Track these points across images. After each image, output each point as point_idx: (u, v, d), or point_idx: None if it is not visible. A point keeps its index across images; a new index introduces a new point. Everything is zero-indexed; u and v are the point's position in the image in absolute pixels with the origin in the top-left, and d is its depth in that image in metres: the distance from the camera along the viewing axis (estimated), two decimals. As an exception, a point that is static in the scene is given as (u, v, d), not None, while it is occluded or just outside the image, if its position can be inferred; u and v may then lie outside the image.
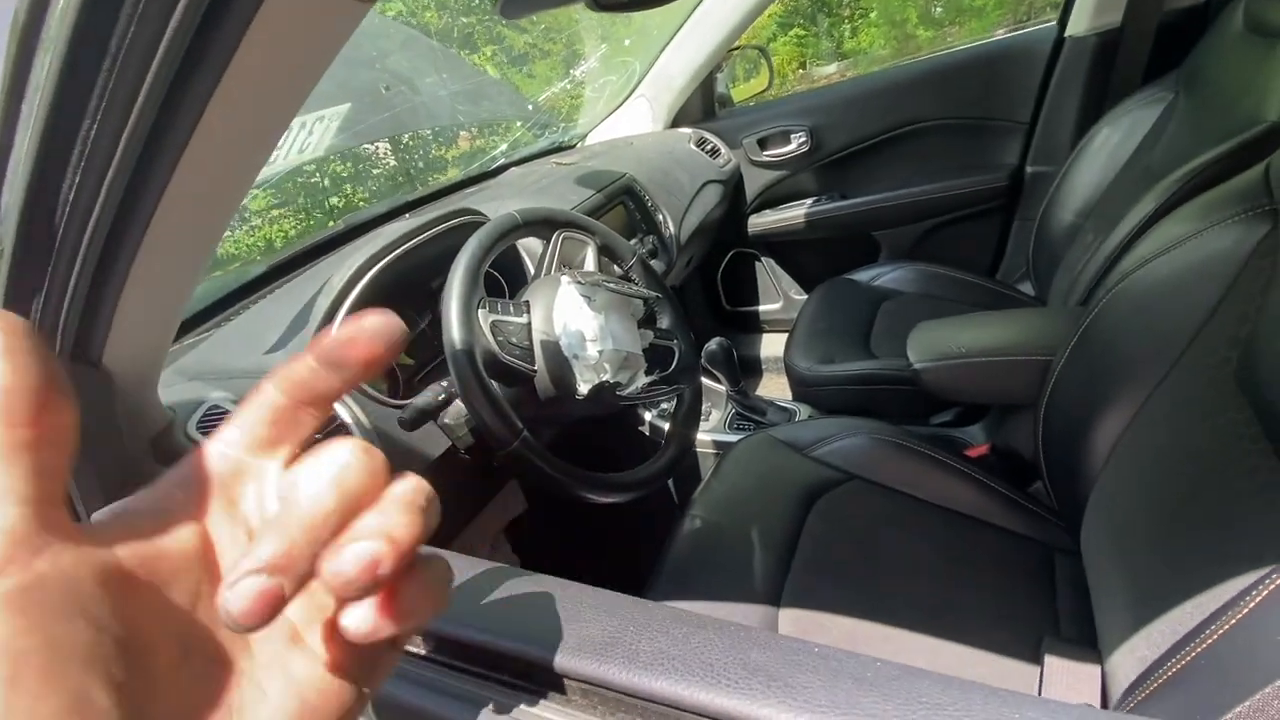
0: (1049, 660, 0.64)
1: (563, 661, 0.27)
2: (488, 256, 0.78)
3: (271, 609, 0.17)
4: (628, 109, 1.77)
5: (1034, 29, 1.55)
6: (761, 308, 1.96)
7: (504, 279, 1.03)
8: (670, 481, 1.30)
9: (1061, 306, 1.10)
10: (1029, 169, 1.55)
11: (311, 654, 0.20)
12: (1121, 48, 1.37)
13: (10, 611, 0.14)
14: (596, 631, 0.28)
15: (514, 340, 0.76)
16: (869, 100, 1.67)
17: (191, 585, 0.19)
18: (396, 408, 0.77)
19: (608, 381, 0.79)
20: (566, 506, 0.86)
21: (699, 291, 1.97)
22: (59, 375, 0.16)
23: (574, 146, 1.79)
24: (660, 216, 1.36)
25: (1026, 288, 1.43)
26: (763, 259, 1.90)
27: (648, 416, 1.28)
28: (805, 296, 1.74)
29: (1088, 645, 0.64)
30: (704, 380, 1.30)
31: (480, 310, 0.74)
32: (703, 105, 1.82)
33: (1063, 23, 1.44)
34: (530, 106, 2.28)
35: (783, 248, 1.87)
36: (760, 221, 1.82)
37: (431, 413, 0.76)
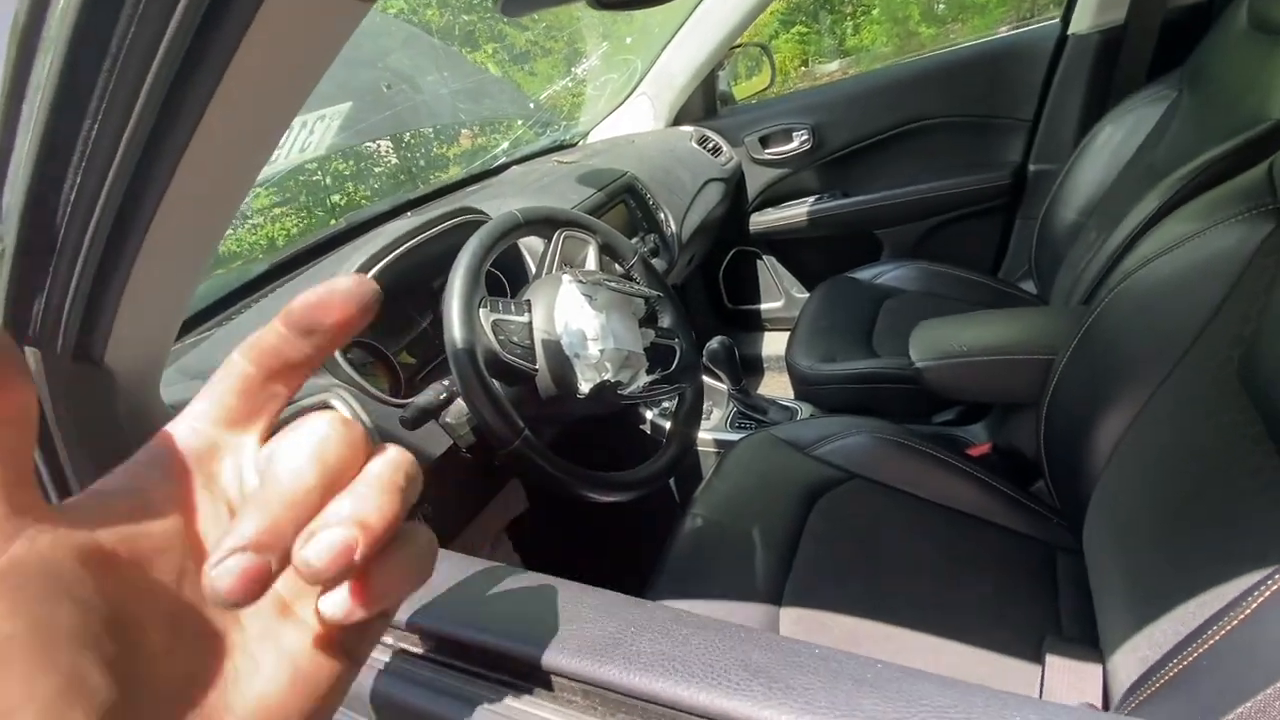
0: (1050, 659, 0.64)
1: (563, 662, 0.27)
2: (489, 255, 0.78)
3: (258, 586, 0.16)
4: (629, 107, 1.77)
5: (1037, 26, 1.55)
6: (763, 306, 1.96)
7: (505, 278, 1.03)
8: (671, 480, 1.30)
9: (1064, 305, 1.10)
10: (1032, 167, 1.55)
11: (301, 625, 0.20)
12: (1125, 45, 1.37)
13: (4, 592, 0.14)
14: (597, 632, 0.28)
15: (515, 339, 0.76)
16: (871, 98, 1.67)
17: (175, 562, 0.19)
18: (398, 406, 0.77)
19: (609, 380, 0.79)
20: (568, 505, 0.86)
21: (700, 290, 1.97)
22: (13, 352, 0.16)
23: (575, 145, 1.79)
24: (662, 215, 1.36)
25: (1029, 286, 1.42)
26: (764, 257, 1.90)
27: (649, 415, 1.28)
28: (807, 295, 1.74)
29: (1089, 645, 0.64)
30: (705, 379, 1.30)
31: (481, 309, 0.74)
32: (704, 103, 1.82)
33: (1066, 20, 1.43)
34: (532, 104, 2.28)
35: (784, 246, 1.86)
36: (762, 220, 1.82)
37: (433, 412, 0.76)
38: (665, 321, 0.97)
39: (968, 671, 0.67)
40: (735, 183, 1.75)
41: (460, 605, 0.32)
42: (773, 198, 1.81)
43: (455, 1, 2.79)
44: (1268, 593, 0.38)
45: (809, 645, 0.25)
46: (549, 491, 0.76)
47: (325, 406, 0.72)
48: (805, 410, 1.34)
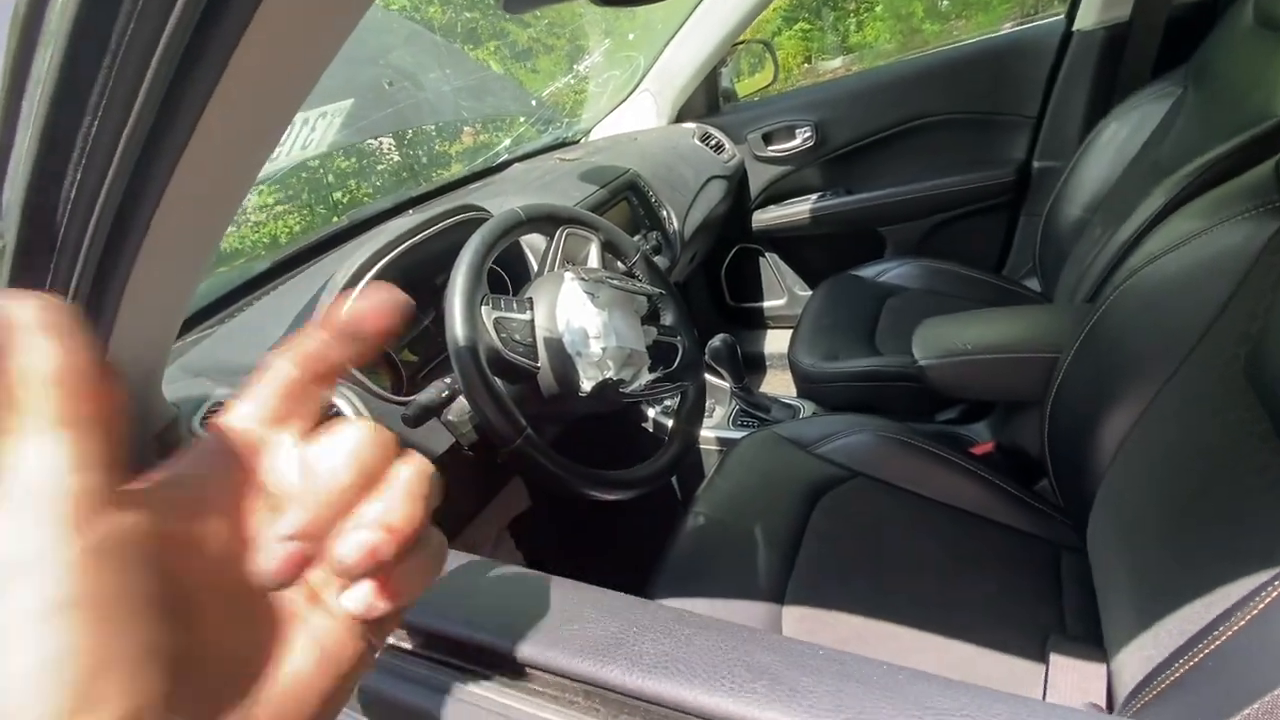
0: (1054, 659, 0.64)
1: (566, 662, 0.27)
2: (491, 253, 0.78)
3: (299, 569, 0.20)
4: (632, 104, 1.76)
5: (1041, 23, 1.54)
6: (766, 304, 1.96)
7: (507, 275, 1.03)
8: (674, 479, 1.30)
9: (1068, 303, 1.10)
10: (1036, 164, 1.54)
11: (328, 611, 0.22)
12: (1130, 42, 1.36)
13: (90, 565, 0.16)
14: (599, 632, 0.28)
15: (517, 337, 0.76)
16: (874, 95, 1.66)
17: (224, 547, 0.21)
18: (400, 404, 0.77)
19: (611, 378, 0.78)
20: (570, 504, 0.86)
21: (703, 288, 1.97)
22: (105, 353, 0.18)
23: (578, 142, 1.79)
24: (664, 212, 1.36)
25: (1033, 284, 1.42)
26: (767, 255, 1.90)
27: (651, 413, 1.28)
28: (810, 293, 1.74)
29: (1094, 644, 0.64)
30: (708, 377, 1.29)
31: (484, 307, 0.74)
32: (707, 100, 1.81)
33: (1070, 16, 1.43)
34: (534, 102, 2.28)
35: (787, 243, 1.86)
36: (765, 217, 1.82)
37: (435, 409, 0.76)
38: (668, 319, 0.97)
39: (971, 670, 0.67)
40: (738, 180, 1.74)
41: (460, 603, 0.32)
42: (775, 195, 1.80)
43: (457, -2, 2.79)
44: (1275, 593, 0.38)
45: (813, 646, 0.25)
46: (551, 490, 0.76)
47: (328, 404, 0.72)
48: (808, 408, 1.34)
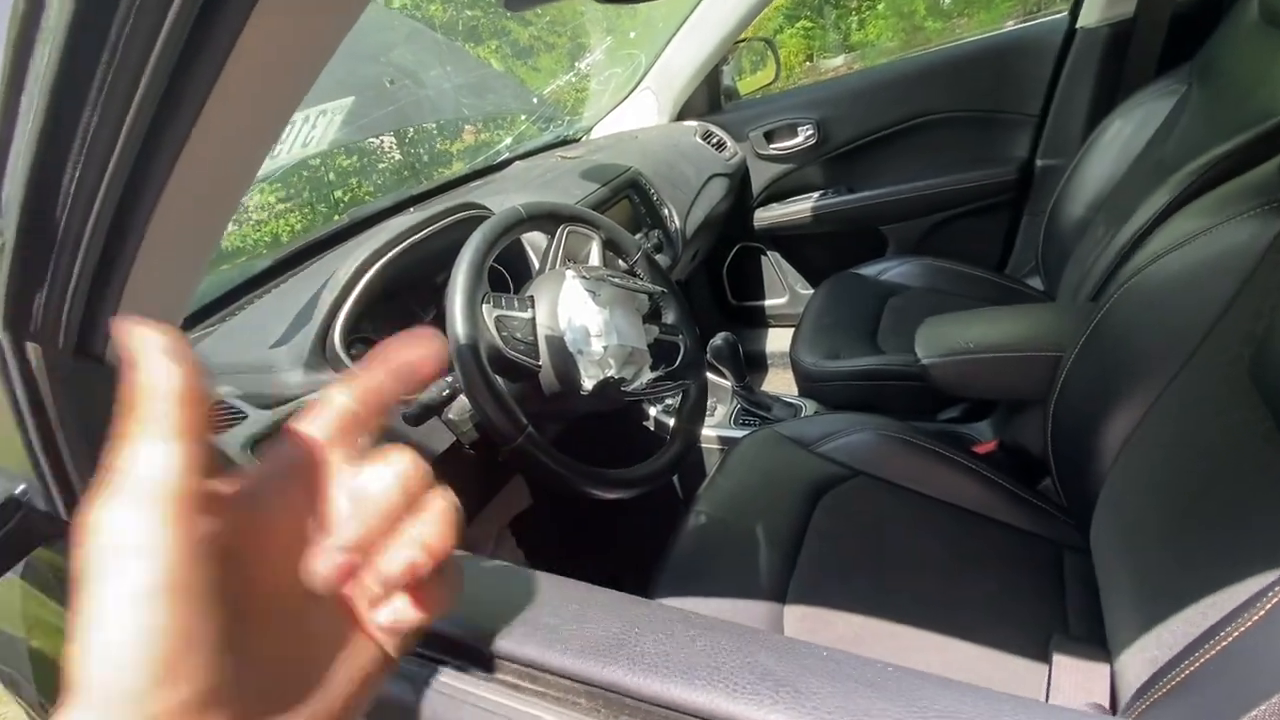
0: (1057, 659, 0.64)
1: (567, 663, 0.27)
2: (492, 251, 0.78)
3: (348, 577, 0.23)
4: (633, 102, 1.76)
5: (1045, 20, 1.53)
6: (767, 302, 1.95)
7: (509, 273, 1.02)
8: (675, 477, 1.30)
9: (1071, 302, 1.09)
10: (1039, 162, 1.53)
11: (359, 621, 0.25)
12: (1134, 39, 1.35)
13: (184, 558, 0.19)
14: (601, 632, 0.28)
15: (518, 335, 0.76)
16: (877, 93, 1.66)
17: (284, 554, 0.23)
18: (401, 403, 0.77)
19: (612, 377, 0.78)
20: (571, 502, 0.85)
21: (704, 286, 1.96)
22: (201, 388, 0.21)
23: (579, 140, 1.78)
24: (666, 210, 1.36)
25: (1035, 283, 1.41)
26: (769, 253, 1.89)
27: (652, 412, 1.28)
28: (811, 291, 1.73)
29: (1097, 644, 0.63)
30: (709, 376, 1.29)
31: (485, 305, 0.74)
32: (709, 98, 1.81)
33: (1074, 14, 1.42)
34: (535, 100, 2.28)
35: (789, 242, 1.86)
36: (766, 215, 1.81)
37: (436, 408, 0.75)
38: (669, 318, 0.96)
39: (973, 670, 0.67)
40: (740, 178, 1.74)
41: (462, 604, 0.32)
42: (777, 193, 1.80)
43: (458, -4, 2.79)
44: (1281, 594, 0.38)
45: (817, 647, 0.25)
46: (552, 488, 0.76)
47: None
48: (809, 407, 1.34)
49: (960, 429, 1.26)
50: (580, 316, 0.78)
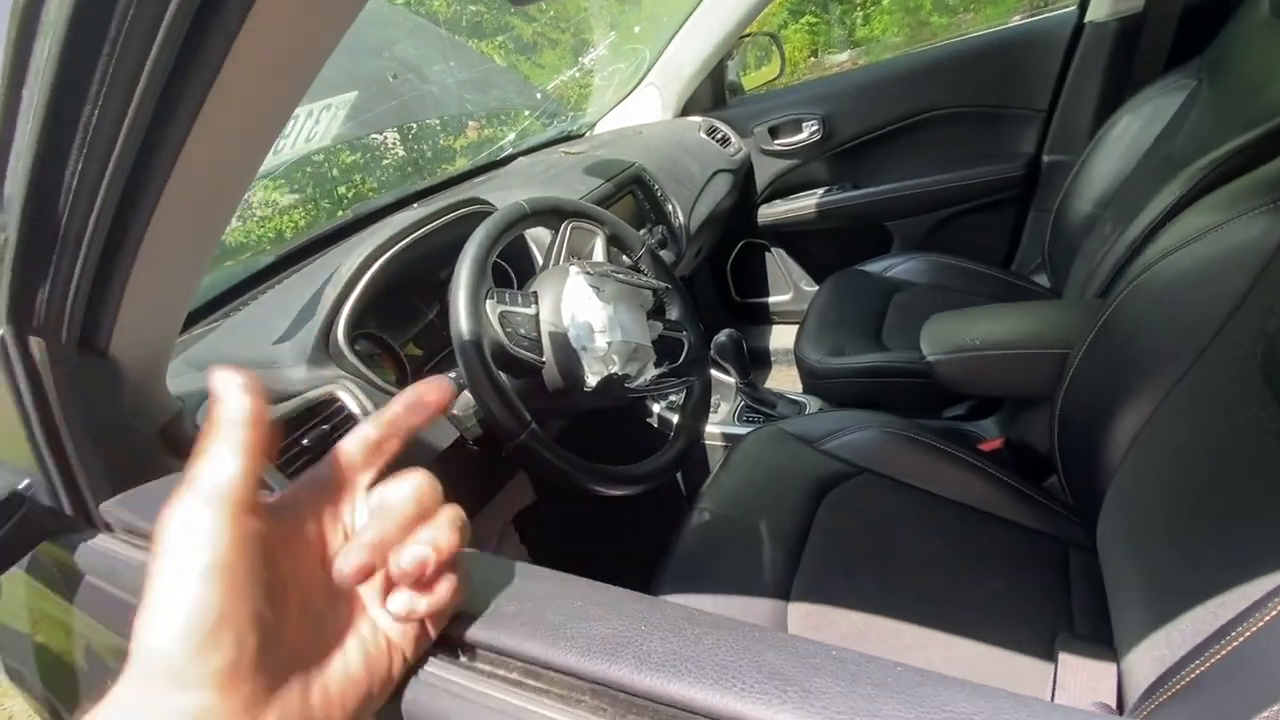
0: (1063, 657, 0.63)
1: (571, 660, 0.27)
2: (496, 246, 0.77)
3: (367, 575, 0.26)
4: (637, 97, 1.75)
5: (1053, 14, 1.52)
6: (771, 299, 1.95)
7: (512, 269, 1.02)
8: (679, 474, 1.30)
9: (1078, 299, 1.09)
10: (1046, 158, 1.52)
11: (375, 624, 0.29)
12: (1144, 33, 1.34)
13: (234, 547, 0.24)
14: (606, 630, 0.28)
15: (522, 331, 0.75)
16: (882, 88, 1.65)
17: (308, 559, 0.28)
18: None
19: (616, 373, 0.78)
20: (575, 498, 0.85)
21: (708, 282, 1.96)
22: (260, 409, 0.25)
23: (582, 135, 1.78)
24: (670, 206, 1.35)
25: (1042, 280, 1.40)
26: (773, 249, 1.89)
27: (656, 409, 1.27)
28: (816, 288, 1.73)
29: (1103, 643, 0.63)
30: (713, 372, 1.29)
31: (488, 301, 0.73)
32: (713, 93, 1.80)
33: (1083, 8, 1.41)
34: (538, 95, 2.27)
35: (793, 238, 1.85)
36: (771, 211, 1.80)
37: (439, 404, 0.75)
38: (673, 314, 0.96)
39: (978, 669, 0.67)
40: (744, 174, 1.73)
41: (466, 600, 0.31)
42: (782, 189, 1.79)
43: (462, -9, 2.78)
44: (1293, 594, 0.37)
45: (825, 646, 0.24)
46: (555, 484, 0.76)
47: (332, 398, 0.72)
48: (814, 404, 1.33)
49: (965, 426, 1.26)
50: (584, 312, 0.77)
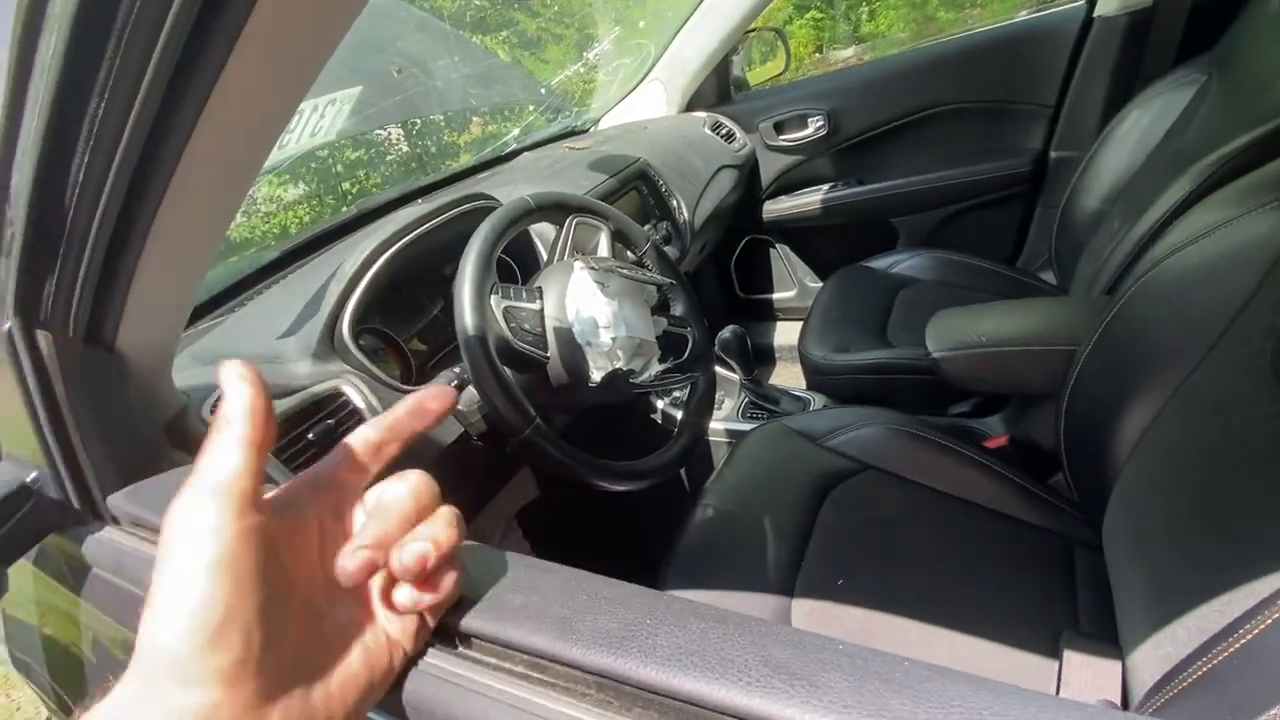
0: (1068, 655, 0.63)
1: (576, 654, 0.27)
2: (500, 242, 0.77)
3: (368, 572, 0.26)
4: (641, 93, 1.75)
5: (1061, 9, 1.51)
6: (776, 295, 1.94)
7: (516, 265, 1.02)
8: (683, 470, 1.29)
9: (1085, 295, 1.08)
10: (1053, 154, 1.51)
11: (373, 619, 0.29)
12: (1153, 28, 1.33)
13: (238, 542, 0.24)
14: (612, 623, 0.28)
15: (527, 326, 0.75)
16: (888, 84, 1.64)
17: (308, 556, 0.28)
18: (409, 393, 0.77)
19: (621, 369, 0.78)
20: (579, 494, 0.85)
21: (713, 278, 1.95)
22: (266, 412, 0.26)
23: (587, 131, 1.78)
24: (674, 202, 1.35)
25: (1048, 276, 1.40)
26: (777, 246, 1.88)
27: (660, 404, 1.27)
28: (820, 284, 1.72)
29: (1108, 641, 0.63)
30: (717, 368, 1.29)
31: (493, 296, 0.73)
32: (718, 89, 1.79)
33: (1092, 2, 1.40)
34: (543, 90, 2.26)
35: (798, 234, 1.84)
36: (775, 207, 1.80)
37: (444, 399, 0.75)
38: (678, 310, 0.96)
39: (984, 666, 0.67)
40: (749, 169, 1.73)
41: (468, 593, 0.32)
42: (787, 185, 1.79)
43: (466, -14, 2.78)
44: (1302, 592, 0.37)
45: (832, 641, 0.24)
46: (560, 480, 0.76)
47: (337, 393, 0.72)
48: (818, 401, 1.33)
49: (971, 423, 1.25)
50: (589, 308, 0.77)
